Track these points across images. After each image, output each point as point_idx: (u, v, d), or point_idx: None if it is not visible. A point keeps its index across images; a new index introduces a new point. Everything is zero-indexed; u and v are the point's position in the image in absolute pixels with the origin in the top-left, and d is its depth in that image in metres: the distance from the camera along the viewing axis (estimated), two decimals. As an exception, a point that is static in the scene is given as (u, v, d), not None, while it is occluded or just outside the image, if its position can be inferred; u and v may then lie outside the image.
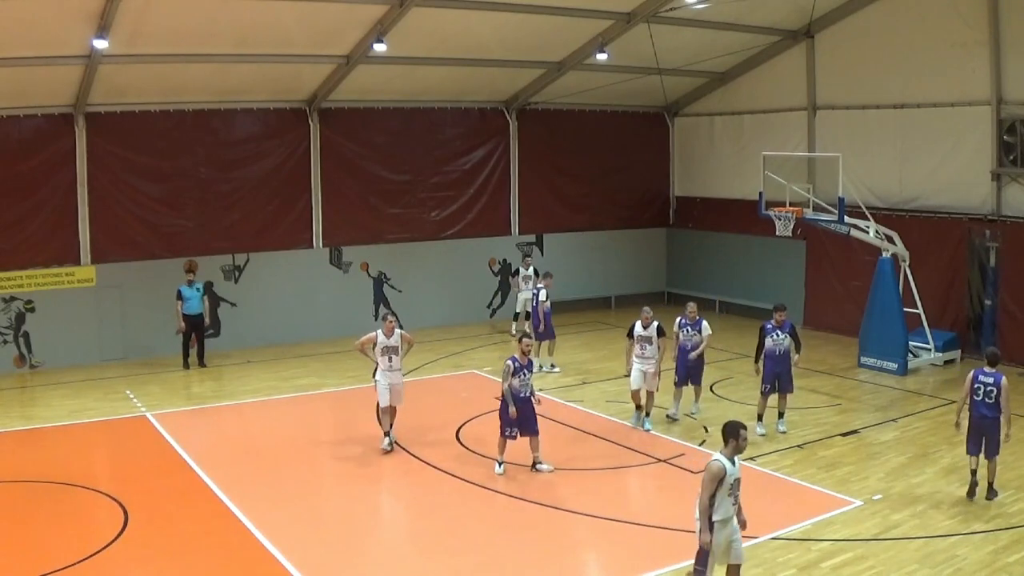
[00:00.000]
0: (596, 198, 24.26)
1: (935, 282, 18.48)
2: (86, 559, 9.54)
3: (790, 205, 17.66)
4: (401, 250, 21.74)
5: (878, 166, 19.79)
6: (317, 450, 13.42)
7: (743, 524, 8.05)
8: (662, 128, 25.28)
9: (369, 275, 21.55)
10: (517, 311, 20.95)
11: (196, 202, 19.46)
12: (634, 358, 13.78)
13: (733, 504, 7.88)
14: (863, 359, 17.86)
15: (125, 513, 10.80)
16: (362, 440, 13.55)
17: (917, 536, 10.04)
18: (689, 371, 14.29)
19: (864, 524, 10.39)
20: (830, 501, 11.10)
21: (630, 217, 24.94)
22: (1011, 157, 17.67)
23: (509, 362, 12.03)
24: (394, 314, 14.48)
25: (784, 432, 13.67)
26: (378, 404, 13.08)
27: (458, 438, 13.73)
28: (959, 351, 18.04)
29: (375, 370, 13.11)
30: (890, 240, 17.71)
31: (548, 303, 17.96)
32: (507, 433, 12.04)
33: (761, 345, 13.62)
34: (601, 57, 19.03)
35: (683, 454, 12.85)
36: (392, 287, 21.78)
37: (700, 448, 13.10)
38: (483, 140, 22.77)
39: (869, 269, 18.19)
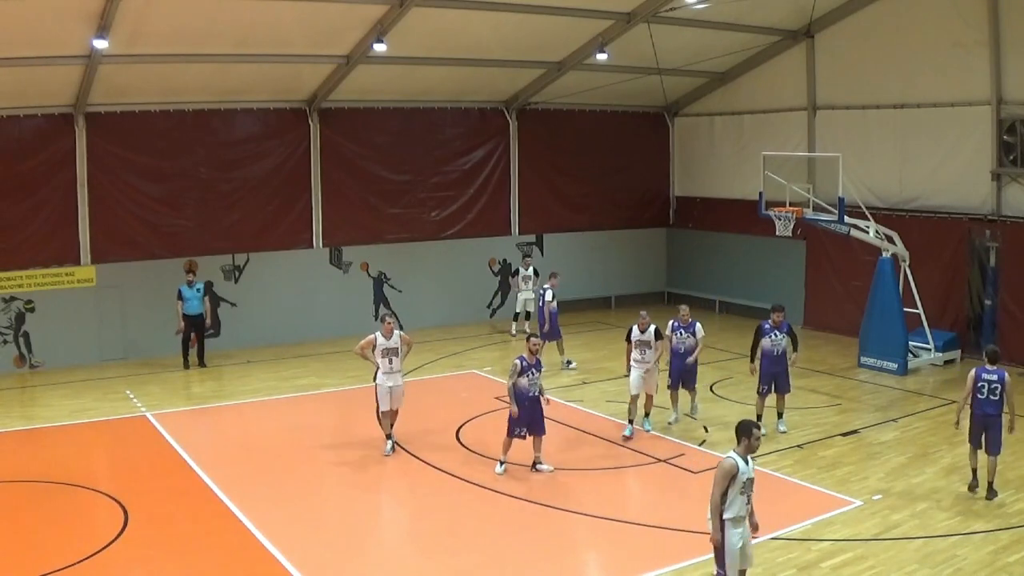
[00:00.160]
0: (596, 198, 24.26)
1: (935, 282, 18.48)
2: (86, 559, 9.54)
3: (790, 205, 17.65)
4: (401, 250, 21.74)
5: (878, 166, 19.79)
6: (317, 450, 13.38)
7: (755, 527, 8.00)
8: (662, 128, 25.27)
9: (369, 275, 21.54)
10: (517, 311, 20.98)
11: (196, 202, 19.46)
12: (633, 362, 13.72)
13: (746, 504, 7.80)
14: (863, 359, 17.87)
15: (125, 513, 10.80)
16: (362, 440, 13.54)
17: (917, 536, 10.04)
18: (682, 375, 14.21)
19: (864, 524, 10.38)
20: (830, 501, 11.10)
21: (630, 217, 24.94)
22: (1011, 157, 17.66)
23: (517, 361, 11.99)
24: (394, 314, 14.45)
25: (784, 432, 13.67)
26: (378, 406, 13.08)
27: (458, 438, 13.73)
28: (959, 351, 18.04)
29: (376, 372, 13.08)
30: (890, 240, 17.70)
31: (555, 303, 17.93)
32: (516, 432, 12.00)
33: (756, 344, 13.61)
34: (601, 57, 19.02)
35: (683, 454, 12.85)
36: (392, 287, 21.78)
37: (700, 448, 13.11)
38: (483, 140, 22.76)
39: (869, 269, 18.18)
